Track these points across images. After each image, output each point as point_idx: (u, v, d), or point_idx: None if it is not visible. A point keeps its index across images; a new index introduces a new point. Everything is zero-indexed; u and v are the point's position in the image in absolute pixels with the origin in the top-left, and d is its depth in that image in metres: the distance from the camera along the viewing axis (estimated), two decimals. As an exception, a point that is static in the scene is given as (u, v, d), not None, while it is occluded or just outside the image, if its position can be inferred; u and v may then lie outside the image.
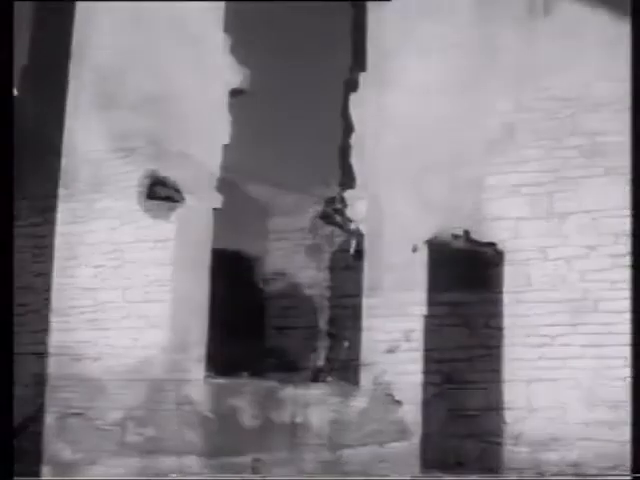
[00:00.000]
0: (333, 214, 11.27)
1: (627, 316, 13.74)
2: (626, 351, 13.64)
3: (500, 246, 12.40)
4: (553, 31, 13.60)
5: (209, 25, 10.57)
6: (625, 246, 13.94)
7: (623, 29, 14.63)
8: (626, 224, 14.00)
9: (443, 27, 12.44)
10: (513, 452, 11.99)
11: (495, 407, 12.12)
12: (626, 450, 13.25)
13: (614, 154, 14.11)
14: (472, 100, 12.60)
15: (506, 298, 12.28)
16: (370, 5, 11.77)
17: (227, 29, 10.66)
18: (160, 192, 9.86)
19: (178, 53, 10.24)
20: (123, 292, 9.53)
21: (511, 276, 12.37)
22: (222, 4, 10.67)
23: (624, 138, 14.33)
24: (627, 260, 13.95)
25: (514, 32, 13.15)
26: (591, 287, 13.32)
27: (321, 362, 12.54)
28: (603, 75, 14.20)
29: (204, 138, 10.28)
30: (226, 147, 10.42)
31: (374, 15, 11.80)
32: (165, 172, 9.90)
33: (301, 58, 12.35)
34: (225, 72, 10.53)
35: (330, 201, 11.30)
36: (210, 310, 10.05)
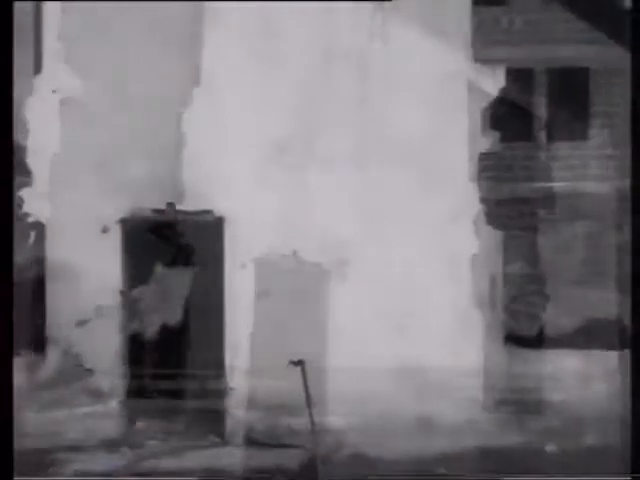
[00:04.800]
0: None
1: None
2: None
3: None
4: (390, 58, 13.87)
5: (45, 31, 10.40)
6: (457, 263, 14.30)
7: (460, 61, 15.06)
8: (463, 242, 14.36)
9: (278, 46, 12.53)
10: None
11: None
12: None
13: (446, 179, 14.52)
14: (309, 121, 12.78)
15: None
16: (207, 21, 11.76)
17: (62, 37, 10.50)
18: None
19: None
20: None
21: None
22: (58, 11, 10.51)
23: (458, 166, 14.76)
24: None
25: (354, 57, 13.37)
26: (418, 307, 13.65)
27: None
28: (437, 105, 14.58)
29: (34, 147, 10.10)
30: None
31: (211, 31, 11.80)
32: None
33: (136, 69, 12.29)
34: (58, 80, 10.36)
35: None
36: None
